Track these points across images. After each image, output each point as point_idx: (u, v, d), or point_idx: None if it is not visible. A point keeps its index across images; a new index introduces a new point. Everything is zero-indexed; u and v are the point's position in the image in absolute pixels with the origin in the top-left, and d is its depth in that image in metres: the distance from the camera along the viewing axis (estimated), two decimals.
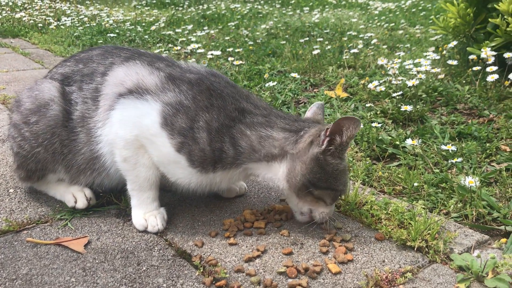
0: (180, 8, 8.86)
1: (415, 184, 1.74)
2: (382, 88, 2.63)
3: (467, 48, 3.11)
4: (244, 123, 1.42)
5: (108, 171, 1.55)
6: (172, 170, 1.45)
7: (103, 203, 1.64)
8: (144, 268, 1.28)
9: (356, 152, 2.07)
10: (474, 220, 1.55)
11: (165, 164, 1.45)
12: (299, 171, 1.37)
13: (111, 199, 1.65)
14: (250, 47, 4.41)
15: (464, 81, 2.98)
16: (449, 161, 1.91)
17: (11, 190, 1.72)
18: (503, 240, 1.39)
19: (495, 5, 2.88)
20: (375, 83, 2.62)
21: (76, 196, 1.57)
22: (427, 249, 1.36)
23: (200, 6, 8.97)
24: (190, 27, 5.81)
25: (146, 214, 1.48)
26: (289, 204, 1.51)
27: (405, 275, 1.24)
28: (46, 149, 1.53)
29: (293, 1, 10.12)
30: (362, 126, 2.09)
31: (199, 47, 3.86)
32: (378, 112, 2.49)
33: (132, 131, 1.42)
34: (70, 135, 1.53)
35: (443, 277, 1.25)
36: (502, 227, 1.50)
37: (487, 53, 2.77)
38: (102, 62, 1.57)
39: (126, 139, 1.43)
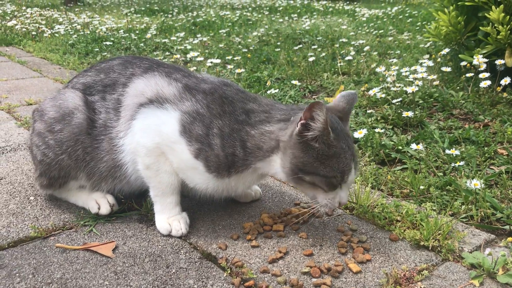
0: (170, 16, 8.91)
1: (421, 187, 1.82)
2: (382, 95, 2.72)
3: (460, 55, 3.22)
4: (249, 124, 1.46)
5: (129, 178, 1.61)
6: (190, 176, 1.51)
7: (125, 209, 1.69)
8: (174, 271, 1.34)
9: (360, 156, 2.15)
10: (479, 221, 1.64)
11: (184, 170, 1.51)
12: (287, 157, 1.40)
13: (132, 205, 1.70)
14: (248, 55, 4.49)
15: (457, 87, 3.09)
16: (451, 165, 2.00)
17: (32, 198, 1.76)
18: (510, 239, 1.48)
19: (485, 14, 3.01)
20: (375, 90, 2.71)
21: (99, 202, 1.62)
22: (439, 248, 1.44)
23: (190, 13, 9.04)
24: (182, 34, 5.87)
25: (169, 218, 1.54)
26: (295, 186, 1.56)
27: (421, 272, 1.32)
28: (69, 156, 1.58)
29: (281, 8, 10.25)
30: (366, 132, 2.17)
31: (198, 55, 3.92)
32: (378, 118, 2.58)
33: (154, 139, 1.48)
34: (93, 143, 1.58)
35: (457, 274, 1.33)
36: (507, 227, 1.59)
37: (479, 60, 2.88)
38: (123, 73, 1.63)
39: (147, 147, 1.49)
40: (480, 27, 3.07)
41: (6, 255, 1.40)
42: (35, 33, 6.08)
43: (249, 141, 1.45)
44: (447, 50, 3.38)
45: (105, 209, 1.61)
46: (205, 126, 1.45)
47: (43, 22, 7.05)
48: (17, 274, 1.31)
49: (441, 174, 1.95)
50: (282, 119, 1.46)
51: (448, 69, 3.11)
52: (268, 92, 3.05)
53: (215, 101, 1.49)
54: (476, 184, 1.68)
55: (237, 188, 1.56)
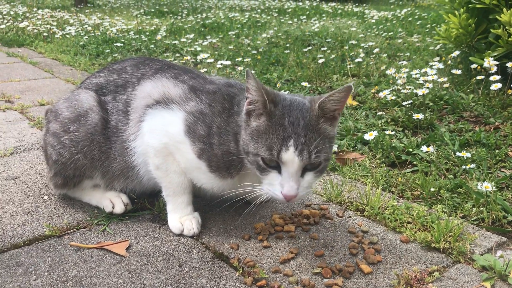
0: (179, 17, 8.95)
1: (432, 189, 1.83)
2: (393, 97, 2.72)
3: (470, 58, 3.22)
4: (238, 113, 1.44)
5: (141, 179, 1.63)
6: (196, 176, 1.53)
7: (137, 208, 1.71)
8: (186, 270, 1.35)
9: (370, 159, 2.15)
10: (490, 223, 1.64)
11: (190, 170, 1.52)
12: (241, 137, 1.40)
13: (144, 205, 1.72)
14: (258, 57, 4.50)
15: (468, 90, 3.09)
16: (462, 167, 2.00)
17: (46, 197, 1.79)
18: None
19: (496, 16, 3.00)
20: (386, 92, 2.72)
21: (114, 201, 1.65)
22: (450, 250, 1.45)
23: (199, 15, 9.08)
24: (191, 36, 5.90)
25: (181, 218, 1.56)
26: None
27: (432, 274, 1.33)
28: (85, 156, 1.60)
29: (289, 10, 10.27)
30: (376, 134, 2.18)
31: (208, 57, 3.94)
32: (389, 120, 2.58)
33: (161, 139, 1.50)
34: (107, 143, 1.60)
35: (468, 276, 1.34)
36: None
37: (490, 62, 2.88)
38: (134, 73, 1.65)
39: (155, 147, 1.51)
40: (491, 30, 3.07)
41: (22, 253, 1.43)
42: (46, 34, 6.14)
43: (238, 132, 1.41)
44: (457, 52, 3.37)
45: (119, 208, 1.64)
46: (207, 126, 1.46)
47: (54, 23, 7.12)
48: (33, 272, 1.34)
49: (451, 176, 1.96)
50: None
51: (459, 72, 3.10)
52: None
53: (216, 100, 1.49)
54: (487, 186, 1.68)
55: (243, 188, 1.55)
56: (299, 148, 1.26)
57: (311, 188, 1.35)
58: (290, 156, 1.26)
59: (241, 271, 1.34)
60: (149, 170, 1.57)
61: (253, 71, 3.43)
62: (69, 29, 6.35)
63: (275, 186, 1.31)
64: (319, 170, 1.34)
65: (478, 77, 2.98)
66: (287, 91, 3.10)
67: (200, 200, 1.76)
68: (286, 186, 1.29)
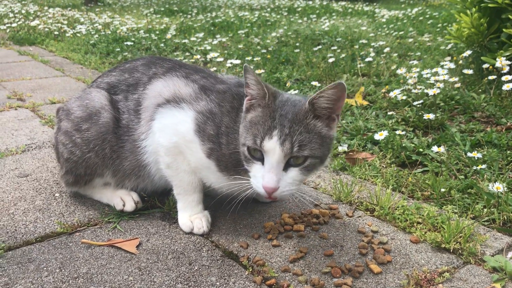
0: (189, 16, 8.97)
1: (442, 189, 1.82)
2: (403, 97, 2.71)
3: (482, 58, 3.19)
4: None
5: (152, 178, 1.64)
6: (206, 175, 1.53)
7: (148, 206, 1.72)
8: (196, 268, 1.36)
9: (380, 159, 2.15)
10: (501, 224, 1.63)
11: (200, 170, 1.53)
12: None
13: (155, 203, 1.73)
14: (268, 56, 4.50)
15: (479, 90, 3.07)
16: (473, 168, 1.99)
17: (57, 195, 1.80)
18: None
19: (509, 16, 2.98)
20: (396, 91, 2.70)
21: (124, 199, 1.66)
22: (460, 251, 1.44)
23: (208, 14, 9.09)
24: (201, 35, 5.91)
25: (191, 216, 1.56)
26: None
27: (442, 275, 1.32)
28: (96, 154, 1.61)
29: (299, 9, 10.25)
30: (387, 134, 2.17)
31: (217, 56, 3.95)
32: (399, 120, 2.57)
33: (171, 138, 1.50)
34: (118, 142, 1.61)
35: (479, 277, 1.33)
36: None
37: (502, 62, 2.85)
38: (146, 72, 1.66)
39: (165, 146, 1.51)
40: (504, 29, 3.04)
41: (34, 250, 1.44)
42: (57, 32, 6.19)
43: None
44: (469, 52, 3.35)
45: (130, 206, 1.65)
46: (216, 126, 1.46)
47: (65, 22, 7.17)
48: (45, 268, 1.35)
49: (462, 177, 1.94)
50: None
51: (470, 72, 3.08)
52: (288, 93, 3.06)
53: (226, 99, 1.50)
54: (498, 187, 1.67)
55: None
56: (281, 138, 1.27)
57: (296, 186, 1.32)
58: (272, 145, 1.27)
59: (250, 270, 1.34)
60: (160, 168, 1.58)
61: (262, 70, 3.44)
62: (80, 28, 6.40)
63: (258, 178, 1.32)
64: (304, 167, 1.32)
65: (490, 77, 2.95)
66: (297, 90, 3.10)
67: (210, 199, 1.76)
68: (266, 177, 1.29)
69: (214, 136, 1.45)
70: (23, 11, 8.46)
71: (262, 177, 1.30)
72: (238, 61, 3.69)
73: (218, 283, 1.29)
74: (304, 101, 1.35)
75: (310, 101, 1.31)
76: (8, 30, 6.49)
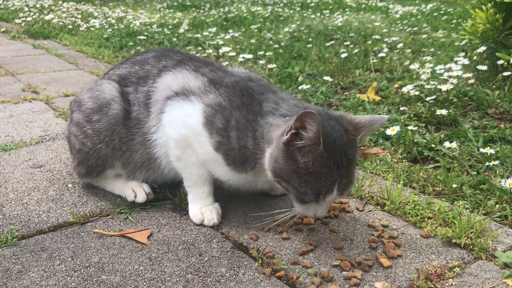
0: (202, 11, 8.98)
1: (454, 185, 1.80)
2: (416, 92, 2.69)
3: (497, 54, 3.16)
4: (260, 114, 1.44)
5: (162, 171, 1.65)
6: (213, 168, 1.54)
7: (159, 198, 1.73)
8: (206, 259, 1.37)
9: (393, 155, 2.14)
10: None
11: (208, 162, 1.54)
12: (272, 157, 1.36)
13: (166, 195, 1.74)
14: (280, 50, 4.50)
15: (493, 86, 3.03)
16: (485, 164, 1.97)
17: (70, 185, 1.83)
18: None
19: None
20: (409, 87, 2.69)
21: (136, 191, 1.67)
22: (472, 247, 1.43)
23: (221, 9, 9.09)
24: (213, 30, 5.92)
25: (202, 208, 1.57)
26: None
27: (453, 270, 1.32)
28: (107, 145, 1.63)
29: (312, 4, 10.20)
30: (398, 129, 2.16)
31: (230, 51, 3.95)
32: (411, 116, 2.56)
33: (180, 131, 1.51)
34: (128, 134, 1.62)
35: (490, 273, 1.32)
36: None
37: None
38: (156, 65, 1.67)
39: (174, 138, 1.52)
40: None
41: (47, 239, 1.46)
42: (71, 26, 6.24)
43: (258, 130, 1.42)
44: (483, 48, 3.31)
45: (141, 197, 1.66)
46: (225, 119, 1.46)
47: (79, 16, 7.22)
48: (57, 257, 1.37)
49: (474, 173, 1.93)
50: (284, 114, 1.42)
51: (484, 68, 3.05)
52: (300, 87, 3.06)
53: (235, 93, 1.49)
54: (510, 183, 1.65)
55: (257, 184, 1.56)
56: (341, 189, 1.35)
57: None
58: (333, 197, 1.35)
59: (260, 262, 1.35)
60: (170, 161, 1.59)
61: (274, 65, 3.44)
62: (93, 22, 6.44)
63: (310, 210, 1.38)
64: None
65: (505, 73, 2.92)
66: (309, 85, 3.09)
67: (221, 191, 1.77)
68: (320, 212, 1.38)
69: (223, 129, 1.46)
70: (38, 5, 8.53)
71: (315, 211, 1.37)
72: (250, 56, 3.69)
73: (227, 274, 1.30)
74: (344, 133, 1.35)
75: (359, 138, 1.39)
76: (23, 24, 6.56)
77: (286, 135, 1.29)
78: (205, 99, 1.50)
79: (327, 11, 8.73)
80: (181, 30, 5.72)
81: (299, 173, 1.30)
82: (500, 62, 3.06)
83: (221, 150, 1.47)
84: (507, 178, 1.76)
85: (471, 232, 1.46)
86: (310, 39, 5.34)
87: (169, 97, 1.55)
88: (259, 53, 4.35)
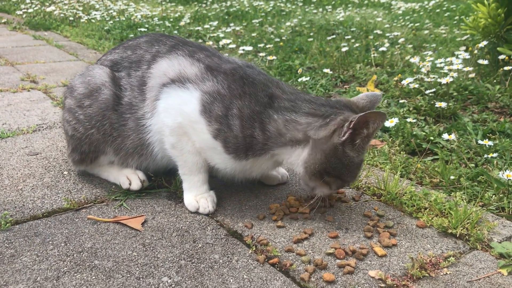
0: (204, 5, 8.96)
1: (452, 177, 1.79)
2: (416, 85, 2.68)
3: (498, 48, 3.14)
4: (273, 108, 1.46)
5: (155, 157, 1.64)
6: (210, 156, 1.53)
7: (154, 186, 1.72)
8: (200, 245, 1.36)
9: (391, 147, 2.13)
10: (511, 213, 1.60)
11: (204, 150, 1.53)
12: (318, 158, 1.40)
13: (161, 183, 1.74)
14: (281, 43, 4.48)
15: (494, 81, 3.02)
16: (484, 156, 1.96)
17: (65, 173, 1.82)
18: None
19: None
20: (409, 79, 2.67)
21: (131, 178, 1.66)
22: (467, 237, 1.42)
23: (223, 3, 9.06)
24: (215, 23, 5.90)
25: (197, 196, 1.57)
26: (302, 178, 1.49)
27: (448, 259, 1.31)
28: (98, 131, 1.62)
29: (315, 0, 10.17)
30: (397, 121, 2.15)
31: (230, 43, 3.94)
32: (411, 109, 2.54)
33: (176, 118, 1.50)
34: (120, 120, 1.61)
35: (485, 263, 1.31)
36: None
37: None
38: (149, 50, 1.65)
39: (170, 126, 1.51)
40: None
41: (41, 224, 1.46)
42: (72, 18, 6.22)
43: (271, 124, 1.44)
44: (485, 42, 3.29)
45: (136, 185, 1.65)
46: (225, 107, 1.45)
47: (80, 8, 7.20)
48: (50, 242, 1.36)
49: (472, 165, 1.92)
50: (310, 113, 1.44)
51: (485, 62, 3.03)
52: (299, 80, 3.05)
53: (236, 81, 1.49)
54: (508, 175, 1.64)
55: (252, 172, 1.56)
56: None
57: None
58: None
59: (254, 249, 1.34)
60: (165, 148, 1.58)
61: (274, 57, 3.42)
62: (95, 14, 6.42)
63: (326, 193, 1.50)
64: None
65: (506, 68, 2.90)
66: (308, 78, 3.08)
67: (217, 180, 1.76)
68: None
69: (222, 117, 1.45)
70: None
71: (329, 191, 1.50)
72: (250, 48, 3.68)
73: (221, 261, 1.29)
74: None
75: None
76: (24, 16, 6.56)
77: (343, 135, 1.37)
78: (202, 87, 1.49)
79: (330, 7, 8.70)
80: (182, 23, 5.71)
81: (350, 166, 1.42)
82: (501, 56, 3.04)
83: (220, 138, 1.46)
84: (506, 170, 1.75)
85: (467, 223, 1.45)
86: (311, 34, 5.32)
87: (165, 84, 1.54)
88: (259, 45, 4.34)
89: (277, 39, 4.83)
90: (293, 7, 8.72)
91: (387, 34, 5.14)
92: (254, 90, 1.47)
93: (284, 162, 1.51)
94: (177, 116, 1.50)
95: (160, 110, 1.53)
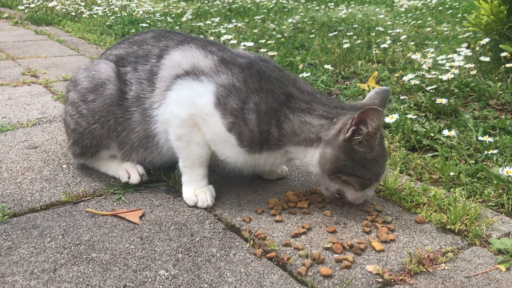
0: (206, 1, 8.94)
1: (451, 173, 1.79)
2: (417, 82, 2.67)
3: (500, 46, 3.13)
4: (289, 107, 1.48)
5: (160, 149, 1.63)
6: (222, 149, 1.53)
7: (153, 180, 1.72)
8: (198, 239, 1.36)
9: (391, 143, 2.12)
10: (510, 209, 1.59)
11: (216, 143, 1.52)
12: (328, 157, 1.42)
13: (160, 177, 1.73)
14: (282, 39, 4.47)
15: (496, 78, 3.01)
16: (484, 153, 1.95)
17: (64, 166, 1.82)
18: None
19: None
20: (410, 76, 2.66)
21: (130, 172, 1.66)
22: (466, 233, 1.42)
23: (225, 0, 9.04)
24: (217, 19, 5.89)
25: (196, 190, 1.56)
26: (320, 179, 1.57)
27: (446, 255, 1.31)
28: (102, 126, 1.61)
29: None
30: (398, 117, 2.14)
31: (231, 38, 3.93)
32: (411, 105, 2.53)
33: (188, 110, 1.49)
34: (125, 114, 1.61)
35: (483, 259, 1.31)
36: None
37: None
38: (156, 45, 1.65)
39: (181, 117, 1.50)
40: None
41: (39, 217, 1.46)
42: (74, 13, 6.22)
43: (286, 123, 1.46)
44: (487, 40, 3.28)
45: (135, 178, 1.65)
46: (241, 101, 1.46)
47: (82, 3, 7.20)
48: (48, 235, 1.36)
49: (472, 162, 1.91)
50: (324, 115, 1.47)
51: (487, 59, 3.02)
52: (300, 75, 3.04)
53: (253, 76, 1.49)
54: (508, 171, 1.63)
55: (265, 166, 1.57)
56: (386, 165, 1.51)
57: None
58: (383, 177, 1.52)
59: (251, 243, 1.34)
60: (169, 139, 1.57)
61: (275, 53, 3.41)
62: (97, 9, 6.42)
63: (364, 197, 1.51)
64: None
65: (508, 65, 2.89)
66: (310, 74, 3.07)
67: (216, 175, 1.76)
68: (370, 195, 1.54)
69: (238, 110, 1.45)
70: None
71: (366, 195, 1.51)
72: (251, 44, 3.67)
73: (218, 254, 1.29)
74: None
75: None
76: (26, 11, 6.55)
77: (347, 132, 1.39)
78: (217, 79, 1.49)
79: (332, 4, 8.67)
80: (184, 19, 5.70)
81: (362, 162, 1.41)
82: (503, 54, 3.03)
83: (235, 131, 1.46)
84: (506, 166, 1.75)
85: (466, 219, 1.45)
86: (313, 30, 5.31)
87: (179, 75, 1.53)
88: (261, 41, 4.33)
89: (279, 36, 4.82)
90: (296, 3, 8.69)
91: (389, 31, 5.12)
92: (271, 86, 1.48)
93: (299, 162, 1.55)
94: (190, 108, 1.49)
95: (170, 101, 1.52)
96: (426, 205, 1.56)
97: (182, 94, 1.50)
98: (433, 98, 2.53)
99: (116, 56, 1.70)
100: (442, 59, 2.99)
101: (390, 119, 2.13)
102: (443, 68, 2.88)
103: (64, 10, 6.36)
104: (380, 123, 1.36)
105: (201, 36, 4.78)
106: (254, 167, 1.57)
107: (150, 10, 6.65)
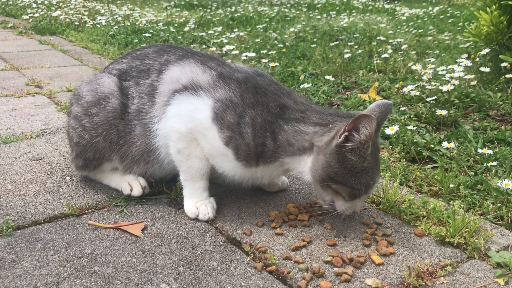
0: (208, 10, 9.00)
1: (451, 185, 1.80)
2: (417, 92, 2.69)
3: (500, 56, 3.14)
4: (283, 119, 1.49)
5: (161, 163, 1.65)
6: (219, 162, 1.55)
7: (155, 192, 1.74)
8: (199, 252, 1.38)
9: (391, 154, 2.14)
10: (509, 222, 1.61)
11: (214, 156, 1.54)
12: (320, 163, 1.42)
13: (162, 189, 1.75)
14: (283, 50, 4.50)
15: (496, 88, 3.02)
16: (484, 165, 1.96)
17: (67, 178, 1.84)
18: None
19: None
20: (410, 87, 2.68)
21: (132, 184, 1.68)
22: (465, 246, 1.43)
23: (228, 9, 9.10)
24: (219, 29, 5.93)
25: (197, 203, 1.58)
26: (313, 188, 1.58)
27: (445, 268, 1.32)
28: (104, 139, 1.64)
29: (319, 5, 10.19)
30: (397, 129, 2.16)
31: (233, 49, 3.96)
32: (412, 116, 2.55)
33: (187, 124, 1.52)
34: (126, 128, 1.63)
35: (482, 272, 1.32)
36: None
37: None
38: (157, 59, 1.67)
39: (180, 132, 1.53)
40: None
41: (42, 230, 1.47)
42: (77, 23, 6.27)
43: (281, 134, 1.47)
44: (487, 50, 3.30)
45: (137, 191, 1.67)
46: (237, 115, 1.48)
47: (86, 13, 7.25)
48: (51, 247, 1.38)
49: (472, 173, 1.92)
50: (318, 122, 1.48)
51: (487, 70, 3.04)
52: (301, 86, 3.06)
53: (249, 90, 1.51)
54: (507, 184, 1.64)
55: (263, 179, 1.58)
56: (378, 178, 1.49)
57: None
58: (373, 189, 1.50)
59: (252, 256, 1.36)
60: (170, 153, 1.59)
61: (277, 64, 3.44)
62: (100, 19, 6.47)
63: (352, 207, 1.48)
64: None
65: (508, 76, 2.91)
66: (310, 84, 3.10)
67: (217, 187, 1.78)
68: (359, 206, 1.50)
69: (235, 124, 1.47)
70: (46, 2, 8.58)
71: (355, 206, 1.48)
72: (253, 54, 3.70)
73: (219, 268, 1.31)
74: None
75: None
76: (30, 20, 6.61)
77: (339, 138, 1.37)
78: (214, 94, 1.51)
79: (334, 12, 8.72)
80: (186, 29, 5.74)
81: (353, 171, 1.40)
82: (503, 64, 3.04)
83: (232, 145, 1.48)
84: (505, 179, 1.76)
85: (465, 232, 1.46)
86: (315, 40, 5.34)
87: (178, 90, 1.55)
88: (262, 51, 4.36)
89: (281, 45, 4.85)
90: (297, 12, 8.75)
91: (391, 41, 5.14)
92: (266, 100, 1.50)
93: (294, 171, 1.54)
94: (188, 122, 1.51)
95: (170, 115, 1.55)
96: (425, 218, 1.57)
97: (181, 108, 1.53)
98: (433, 109, 2.55)
99: (119, 70, 1.73)
100: (442, 70, 3.01)
101: (391, 130, 2.14)
102: (444, 79, 2.90)
103: (67, 20, 6.41)
104: (372, 131, 1.34)
105: (203, 46, 4.82)
106: (253, 180, 1.59)
107: (153, 19, 6.70)
